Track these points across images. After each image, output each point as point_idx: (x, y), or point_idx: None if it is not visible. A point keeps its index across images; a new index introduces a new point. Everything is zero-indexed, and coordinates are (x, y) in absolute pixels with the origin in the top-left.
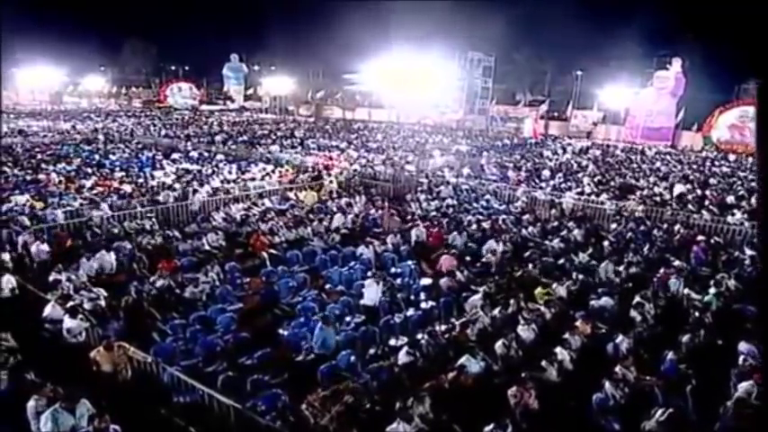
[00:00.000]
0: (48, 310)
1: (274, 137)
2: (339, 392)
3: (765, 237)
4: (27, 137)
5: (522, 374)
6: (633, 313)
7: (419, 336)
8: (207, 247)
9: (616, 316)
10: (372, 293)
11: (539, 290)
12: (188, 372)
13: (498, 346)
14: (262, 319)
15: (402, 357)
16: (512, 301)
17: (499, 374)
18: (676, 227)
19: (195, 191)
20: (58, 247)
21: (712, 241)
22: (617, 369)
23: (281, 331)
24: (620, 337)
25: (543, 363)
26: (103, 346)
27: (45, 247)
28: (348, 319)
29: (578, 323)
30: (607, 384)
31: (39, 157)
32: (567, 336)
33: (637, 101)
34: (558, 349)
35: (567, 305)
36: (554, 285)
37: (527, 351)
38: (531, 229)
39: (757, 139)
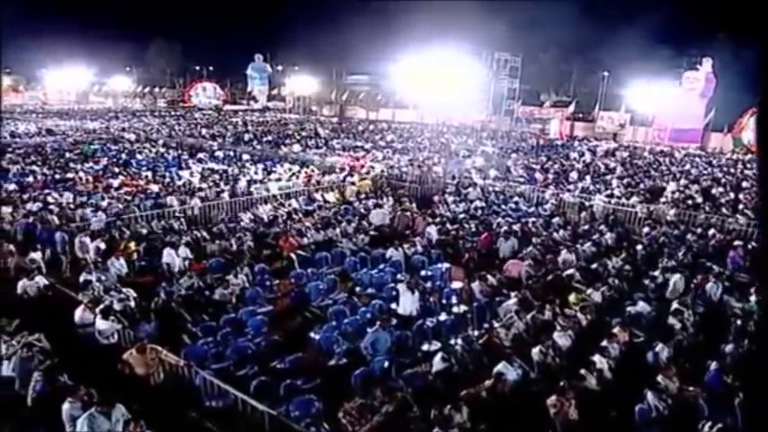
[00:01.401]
0: (78, 314)
1: (298, 137)
2: (378, 401)
3: (765, 237)
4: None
5: (561, 383)
6: (672, 320)
7: (452, 341)
8: (235, 248)
9: (653, 323)
10: (408, 302)
11: (573, 295)
12: (219, 375)
13: (535, 352)
14: (292, 321)
15: (437, 364)
16: (547, 307)
17: (537, 382)
18: (711, 231)
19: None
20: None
21: (750, 246)
22: (659, 379)
23: (312, 335)
24: (659, 346)
25: (582, 371)
26: (136, 349)
27: (102, 245)
28: (379, 323)
29: (616, 330)
30: (649, 395)
31: (67, 156)
32: (605, 343)
33: (665, 102)
34: (597, 357)
35: (603, 311)
36: (588, 291)
37: (564, 358)
38: (561, 232)
39: (757, 138)
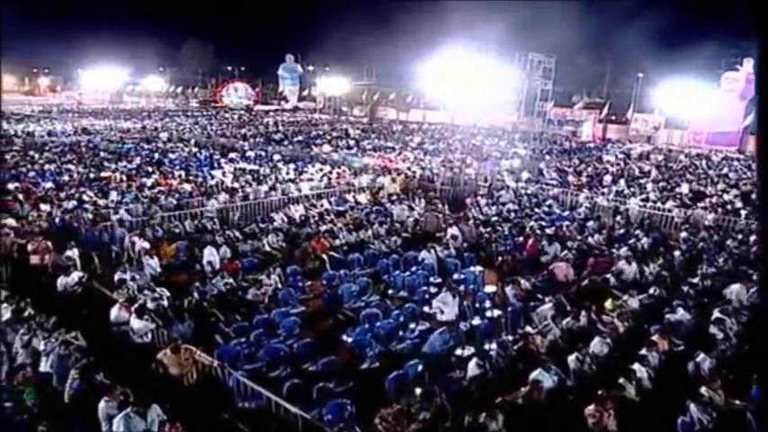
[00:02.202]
0: (114, 313)
1: (329, 137)
2: (415, 408)
3: (766, 237)
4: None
5: (600, 392)
6: (713, 330)
7: (486, 346)
8: (267, 249)
9: (694, 331)
10: (449, 309)
11: (609, 301)
12: (252, 376)
13: (571, 360)
14: (324, 323)
15: (472, 369)
16: (582, 313)
17: (573, 391)
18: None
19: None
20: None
21: None
22: (702, 390)
23: (344, 337)
24: (701, 356)
25: (621, 380)
26: (170, 349)
27: (146, 244)
28: (412, 326)
29: (655, 338)
30: (692, 407)
31: (101, 155)
32: (644, 352)
33: (702, 104)
34: (636, 366)
35: (641, 318)
36: (625, 297)
37: (601, 366)
38: (596, 236)
39: (757, 137)
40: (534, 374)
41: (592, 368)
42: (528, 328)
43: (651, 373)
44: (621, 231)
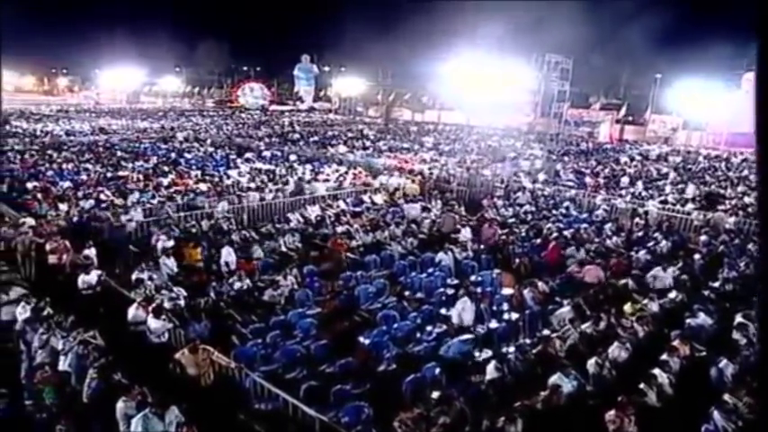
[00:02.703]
0: (131, 312)
1: (345, 138)
2: (435, 412)
3: (766, 236)
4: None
5: (620, 397)
6: (736, 335)
7: (504, 349)
8: (284, 249)
9: (716, 337)
10: (467, 315)
11: (629, 305)
12: (268, 378)
13: (591, 364)
14: (340, 325)
15: (490, 372)
16: (602, 316)
17: (593, 396)
18: None
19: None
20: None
21: None
22: (726, 398)
23: (361, 339)
24: (723, 362)
25: (642, 385)
26: (188, 349)
27: (170, 243)
28: (429, 328)
29: (676, 343)
30: (716, 414)
31: (119, 154)
32: (665, 357)
33: (721, 105)
34: (657, 371)
35: (661, 322)
36: (645, 300)
37: (621, 371)
38: (614, 239)
39: (757, 137)
40: (553, 379)
41: (612, 373)
42: (546, 332)
43: (672, 379)
44: (640, 234)
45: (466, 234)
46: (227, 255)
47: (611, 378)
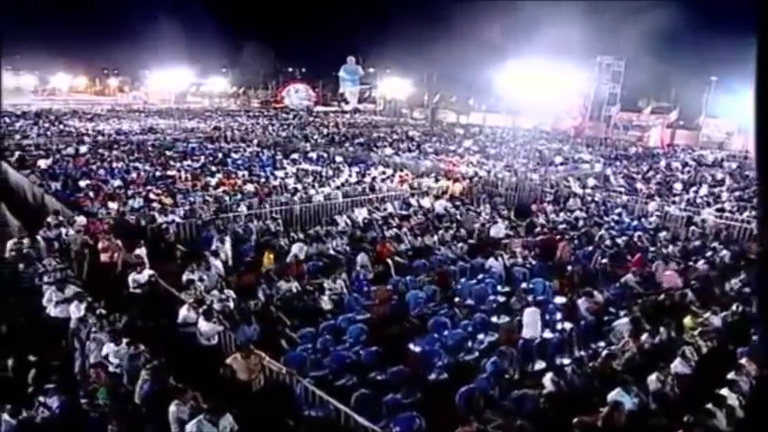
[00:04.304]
0: (182, 313)
1: (390, 140)
2: (492, 427)
3: (766, 236)
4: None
5: (686, 418)
6: None
7: (558, 361)
8: (332, 252)
9: None
10: (533, 324)
11: (689, 318)
12: (317, 384)
13: (652, 380)
14: (390, 331)
15: (548, 385)
16: (661, 330)
17: (656, 414)
18: None
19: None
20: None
21: None
22: None
23: (411, 346)
24: None
25: (709, 406)
26: (241, 354)
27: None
28: (481, 337)
29: (743, 361)
30: None
31: (168, 153)
32: (733, 376)
33: None
34: (725, 391)
35: (725, 338)
36: (707, 314)
37: (685, 389)
38: (671, 248)
39: (757, 137)
40: (613, 395)
41: (674, 391)
42: (601, 344)
43: (742, 400)
44: (697, 243)
45: (497, 231)
46: (299, 250)
47: (675, 396)
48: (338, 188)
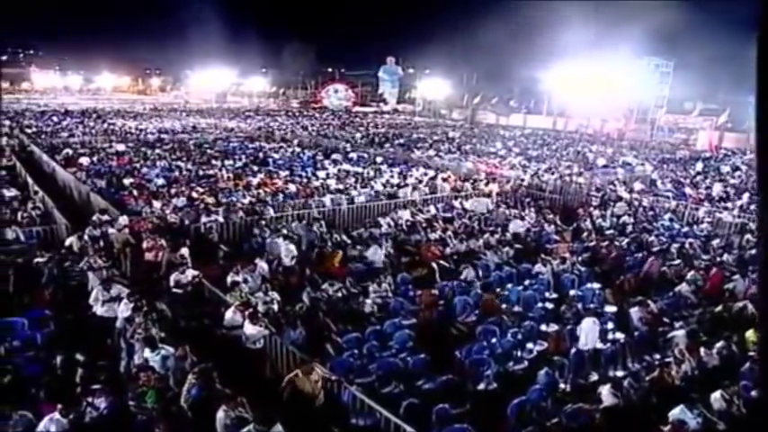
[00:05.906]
0: (228, 316)
1: (430, 141)
2: None
3: (765, 236)
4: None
5: None
6: None
7: (611, 373)
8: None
9: None
10: (591, 334)
11: (751, 332)
12: (363, 391)
13: (716, 399)
14: (436, 337)
15: (606, 399)
16: (721, 343)
17: None
18: None
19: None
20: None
21: None
22: None
23: (458, 354)
24: None
25: None
26: (302, 370)
27: (292, 247)
28: (530, 346)
29: None
30: None
31: (209, 152)
32: None
33: None
34: None
35: None
36: None
37: (753, 409)
38: (725, 256)
39: (757, 137)
40: (675, 413)
41: (741, 410)
42: (656, 356)
43: None
44: (753, 252)
45: (516, 227)
46: (374, 253)
47: (741, 416)
48: (383, 187)
